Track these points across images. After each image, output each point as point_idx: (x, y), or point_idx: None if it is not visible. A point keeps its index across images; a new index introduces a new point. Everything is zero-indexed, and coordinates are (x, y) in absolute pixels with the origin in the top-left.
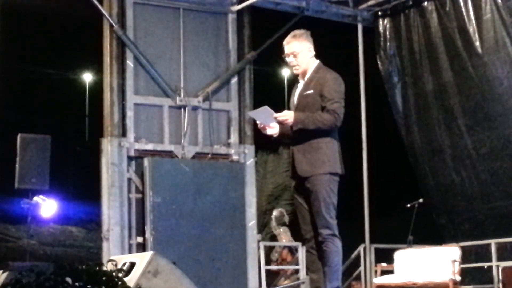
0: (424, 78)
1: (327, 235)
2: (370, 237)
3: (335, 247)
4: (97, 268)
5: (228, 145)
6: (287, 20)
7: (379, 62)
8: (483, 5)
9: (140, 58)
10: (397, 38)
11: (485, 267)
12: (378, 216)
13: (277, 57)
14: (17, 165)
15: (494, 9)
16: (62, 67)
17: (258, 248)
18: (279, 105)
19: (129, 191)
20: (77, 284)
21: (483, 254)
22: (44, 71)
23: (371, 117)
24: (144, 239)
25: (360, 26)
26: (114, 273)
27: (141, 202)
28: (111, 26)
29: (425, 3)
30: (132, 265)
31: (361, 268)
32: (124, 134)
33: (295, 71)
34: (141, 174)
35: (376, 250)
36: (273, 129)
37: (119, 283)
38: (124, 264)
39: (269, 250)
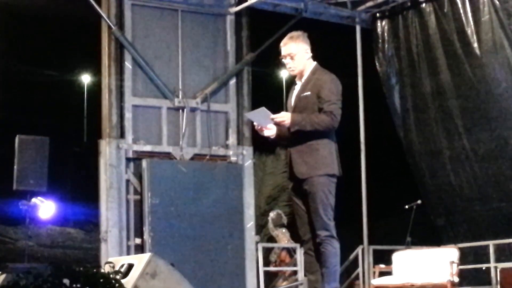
0: (422, 80)
1: (325, 236)
2: (368, 239)
3: (333, 248)
4: (95, 270)
5: (226, 146)
6: (285, 22)
7: (377, 64)
8: (481, 7)
9: (138, 60)
10: (395, 39)
11: (483, 268)
12: (376, 218)
13: (276, 58)
14: (15, 167)
15: (492, 11)
16: (61, 68)
17: (256, 249)
18: (277, 107)
19: (127, 193)
20: (74, 286)
21: (481, 255)
22: (42, 72)
23: (369, 118)
24: (142, 241)
25: (358, 28)
26: (111, 275)
27: (139, 204)
28: (109, 27)
29: (423, 5)
30: (130, 266)
31: (359, 269)
32: (122, 135)
33: (291, 73)
34: (139, 176)
35: (374, 251)
36: (270, 131)
37: (117, 285)
38: (122, 265)
39: (267, 252)
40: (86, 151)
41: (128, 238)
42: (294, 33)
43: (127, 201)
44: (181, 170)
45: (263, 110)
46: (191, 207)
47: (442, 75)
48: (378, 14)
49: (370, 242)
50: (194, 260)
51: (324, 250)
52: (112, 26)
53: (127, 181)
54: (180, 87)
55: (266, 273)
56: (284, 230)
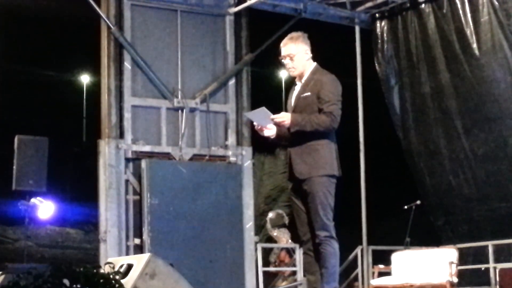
0: (421, 80)
1: (324, 237)
2: (368, 239)
3: (332, 249)
4: (95, 270)
5: (226, 146)
6: (284, 22)
7: (376, 64)
8: (480, 8)
9: (138, 60)
10: (394, 40)
11: (482, 269)
12: (375, 218)
13: (275, 59)
14: (14, 167)
15: (491, 12)
16: (60, 68)
17: (256, 249)
18: (277, 107)
19: (126, 193)
20: (74, 286)
21: (480, 255)
22: (42, 72)
23: (369, 119)
24: (142, 241)
25: (357, 28)
26: (111, 276)
27: (138, 204)
28: (108, 27)
29: (423, 5)
30: (130, 267)
31: (359, 269)
32: (121, 135)
33: (291, 73)
34: (138, 176)
35: (374, 251)
36: (270, 131)
37: (116, 285)
38: (122, 266)
39: (267, 252)
40: (86, 151)
41: (127, 238)
42: (294, 34)
43: (126, 201)
44: (180, 170)
45: (263, 110)
46: (190, 207)
47: (441, 76)
48: (377, 15)
49: (369, 243)
50: (193, 260)
51: (323, 250)
52: (112, 26)
53: (126, 181)
54: (180, 87)
55: (265, 273)
56: (284, 230)
